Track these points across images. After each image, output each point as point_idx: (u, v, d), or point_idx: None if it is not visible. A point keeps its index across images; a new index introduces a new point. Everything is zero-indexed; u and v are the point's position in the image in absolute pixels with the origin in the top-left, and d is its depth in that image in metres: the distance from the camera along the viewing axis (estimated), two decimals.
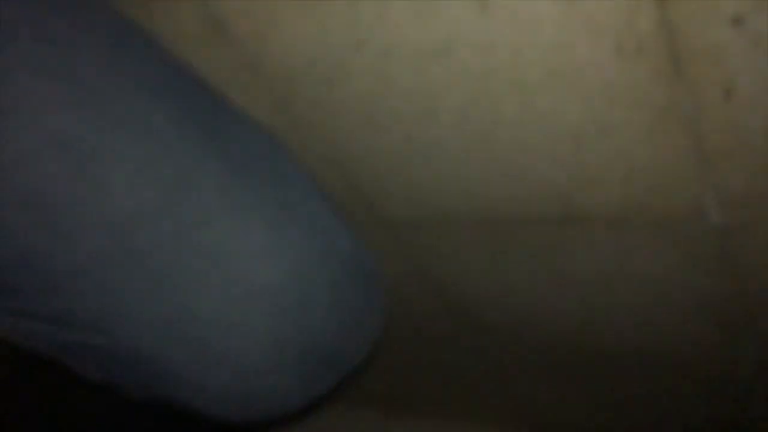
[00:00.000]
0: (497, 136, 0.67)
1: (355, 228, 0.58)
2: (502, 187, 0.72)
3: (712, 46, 0.53)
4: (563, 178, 0.69)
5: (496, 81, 0.62)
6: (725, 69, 0.54)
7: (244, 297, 0.49)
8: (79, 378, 0.54)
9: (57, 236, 0.45)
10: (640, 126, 0.61)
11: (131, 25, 0.53)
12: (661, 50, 0.54)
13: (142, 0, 0.64)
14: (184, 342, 0.49)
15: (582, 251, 0.78)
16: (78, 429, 0.81)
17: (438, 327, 1.03)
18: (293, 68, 0.67)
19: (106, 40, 0.49)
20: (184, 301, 0.48)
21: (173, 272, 0.47)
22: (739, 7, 0.50)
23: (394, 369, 1.18)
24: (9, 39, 0.44)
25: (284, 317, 0.50)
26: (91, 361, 0.52)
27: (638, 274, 0.78)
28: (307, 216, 0.53)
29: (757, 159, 0.60)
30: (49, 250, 0.45)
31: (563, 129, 0.64)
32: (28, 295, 0.47)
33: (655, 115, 0.60)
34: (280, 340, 0.50)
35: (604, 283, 0.82)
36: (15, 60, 0.44)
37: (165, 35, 0.57)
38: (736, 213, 0.66)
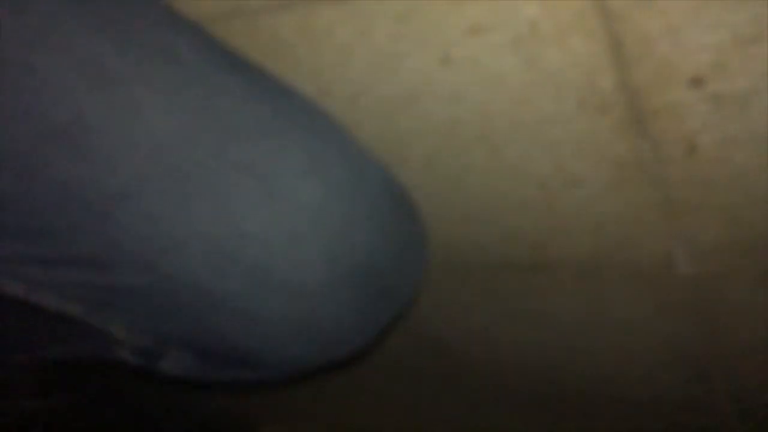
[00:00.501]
0: (466, 183, 0.67)
1: None
2: (472, 233, 0.72)
3: (673, 105, 0.53)
4: (532, 225, 0.69)
5: (462, 131, 0.62)
6: (687, 127, 0.54)
7: (290, 214, 0.47)
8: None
9: (95, 162, 0.44)
10: (607, 179, 0.61)
11: None
12: (623, 108, 0.54)
13: None
14: (234, 265, 0.46)
15: (554, 298, 0.78)
16: None
17: (412, 362, 1.03)
18: None
19: None
20: (231, 219, 0.46)
21: (218, 190, 0.45)
22: (697, 69, 0.50)
23: (368, 401, 1.17)
24: None
25: (331, 234, 0.48)
26: (133, 311, 0.49)
27: (612, 320, 0.78)
28: (337, 144, 0.52)
29: (722, 212, 0.60)
30: (88, 177, 0.44)
31: (531, 178, 0.64)
32: (66, 236, 0.45)
33: (621, 169, 0.60)
34: (329, 257, 0.48)
35: (578, 329, 0.81)
36: None
37: None
38: (706, 264, 0.66)
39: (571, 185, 0.63)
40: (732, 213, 0.60)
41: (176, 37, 0.48)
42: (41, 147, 0.44)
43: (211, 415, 1.17)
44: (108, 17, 0.45)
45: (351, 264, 0.49)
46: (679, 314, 0.74)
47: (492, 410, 1.10)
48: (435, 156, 0.65)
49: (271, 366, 0.53)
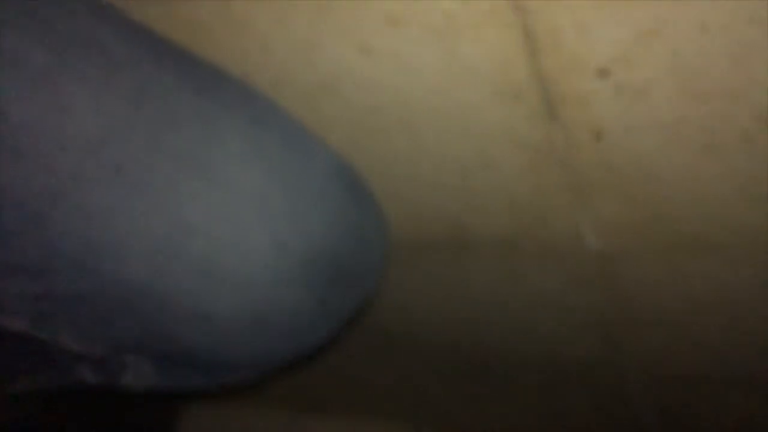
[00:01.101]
0: (388, 168, 0.69)
1: None
2: (394, 214, 0.74)
3: (582, 94, 0.56)
4: (453, 207, 0.72)
5: (383, 118, 0.63)
6: (594, 114, 0.57)
7: (232, 202, 0.46)
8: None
9: (25, 162, 0.41)
10: (520, 162, 0.64)
11: None
12: (535, 96, 0.57)
13: None
14: (178, 261, 0.44)
15: (474, 274, 0.81)
16: None
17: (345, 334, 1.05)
18: None
19: None
20: (171, 212, 0.44)
21: (155, 183, 0.44)
22: (603, 61, 0.53)
23: (302, 371, 1.19)
24: None
25: (277, 221, 0.47)
26: (77, 319, 0.46)
27: (528, 293, 0.82)
28: (278, 128, 0.51)
29: (627, 193, 0.64)
30: (19, 178, 0.41)
31: (450, 162, 0.66)
32: (1, 242, 0.43)
33: (533, 153, 0.62)
34: (277, 245, 0.47)
35: (496, 303, 0.85)
36: None
37: None
38: (612, 240, 0.70)
39: (488, 169, 0.66)
40: (634, 194, 0.64)
41: (101, 26, 0.46)
42: None
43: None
44: (28, 9, 0.43)
45: (302, 251, 0.48)
46: (589, 286, 0.78)
47: (418, 381, 1.13)
48: (356, 142, 0.66)
49: (235, 366, 0.51)
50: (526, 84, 0.56)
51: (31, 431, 0.86)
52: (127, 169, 0.43)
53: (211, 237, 0.45)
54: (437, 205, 0.72)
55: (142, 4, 0.58)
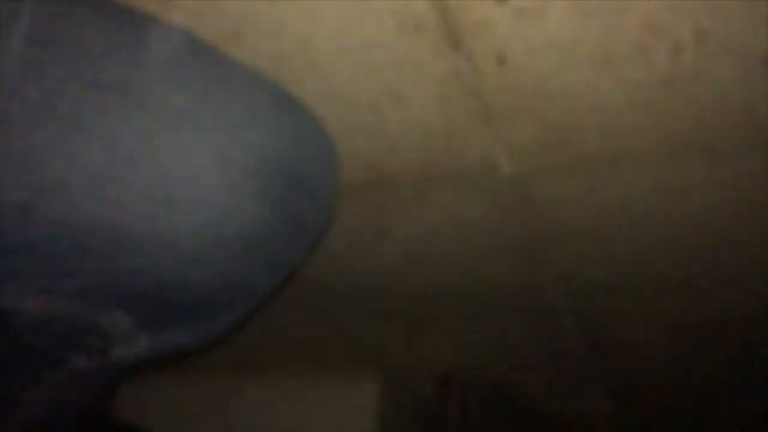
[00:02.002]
0: None
1: None
2: None
3: (483, 21, 0.57)
4: (367, 146, 0.73)
5: (291, 63, 0.63)
6: (496, 40, 0.59)
7: (166, 124, 0.46)
8: None
9: None
10: (430, 95, 0.65)
11: None
12: (437, 27, 0.58)
13: None
14: (125, 191, 0.44)
15: (393, 211, 0.83)
16: None
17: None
18: None
19: None
20: (107, 142, 0.43)
21: (84, 114, 0.43)
22: None
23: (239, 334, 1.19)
24: None
25: (214, 136, 0.47)
26: (38, 273, 0.44)
27: (447, 224, 0.85)
28: (201, 56, 0.51)
29: (534, 115, 0.67)
30: None
31: (362, 101, 0.67)
32: None
33: (441, 84, 0.64)
34: (220, 159, 0.47)
35: (417, 237, 0.87)
36: None
37: None
38: (524, 162, 0.73)
39: (399, 105, 0.67)
40: (540, 115, 0.66)
41: None
42: None
43: None
44: None
45: (245, 161, 0.49)
46: (506, 210, 0.81)
47: (352, 330, 1.15)
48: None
49: (213, 305, 0.51)
50: (427, 15, 0.57)
51: None
52: (53, 104, 0.42)
53: (153, 161, 0.45)
54: (351, 147, 0.72)
55: None
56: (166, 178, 0.45)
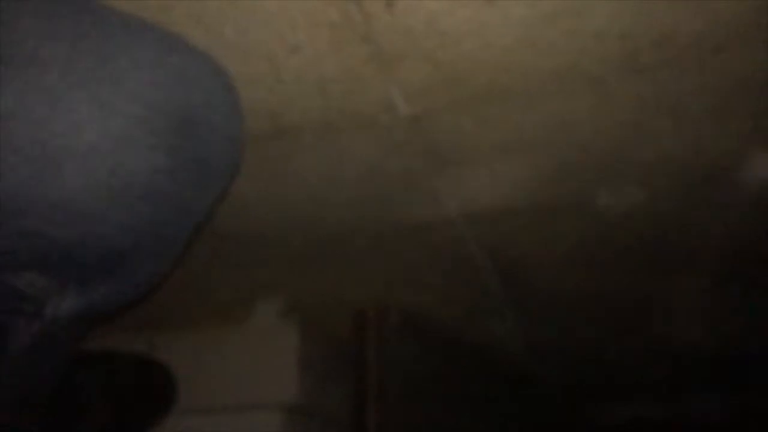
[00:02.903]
0: None
1: None
2: None
3: None
4: (266, 97, 0.72)
5: (175, 14, 0.61)
6: None
7: (43, 78, 0.44)
8: None
9: None
10: (323, 42, 0.65)
11: None
12: None
13: None
14: (6, 152, 0.43)
15: (297, 158, 0.83)
16: None
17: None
18: None
19: None
20: None
21: None
22: None
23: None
24: None
25: (95, 87, 0.47)
26: None
27: (353, 167, 0.86)
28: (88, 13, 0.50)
29: (425, 55, 0.68)
30: None
31: (255, 52, 0.67)
32: None
33: (334, 31, 0.64)
34: (103, 110, 0.46)
35: (326, 180, 0.89)
36: None
37: None
38: (420, 103, 0.75)
39: (294, 53, 0.67)
40: (431, 56, 0.68)
41: None
42: None
43: None
44: None
45: (132, 107, 0.48)
46: (406, 149, 0.83)
47: (258, 267, 1.16)
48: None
49: (127, 257, 0.50)
50: None
51: None
52: None
53: (31, 119, 0.43)
54: (250, 98, 0.72)
55: None
56: (46, 135, 0.44)
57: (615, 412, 2.28)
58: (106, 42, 0.49)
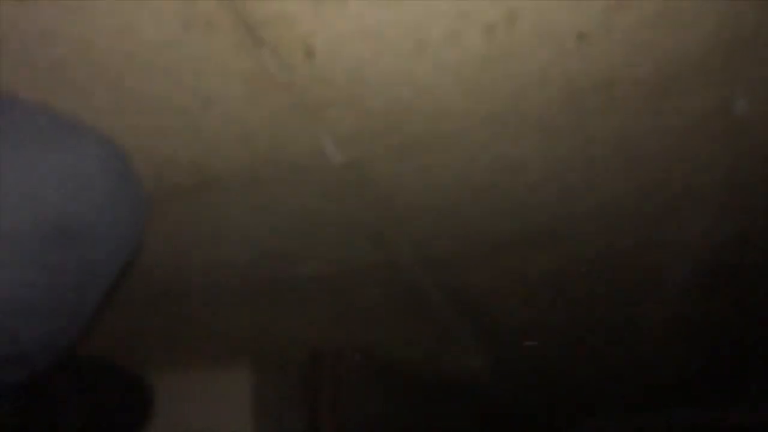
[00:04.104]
0: (102, 122, 0.61)
1: None
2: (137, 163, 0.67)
3: (280, 13, 0.52)
4: (185, 150, 0.66)
5: (72, 70, 0.55)
6: (299, 31, 0.54)
7: None
8: None
9: None
10: (239, 93, 0.60)
11: None
12: (232, 24, 0.52)
13: None
14: None
15: (226, 210, 0.77)
16: None
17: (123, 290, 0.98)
18: None
19: None
20: None
21: None
22: None
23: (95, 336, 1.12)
24: None
25: None
26: None
27: (288, 216, 0.80)
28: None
29: (355, 105, 0.63)
30: None
31: (168, 106, 0.61)
32: None
33: (250, 81, 0.58)
34: None
35: (261, 229, 0.83)
36: None
37: None
38: (354, 151, 0.69)
39: (209, 105, 0.61)
40: (361, 103, 0.63)
41: None
42: None
43: None
44: None
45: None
46: (344, 196, 0.78)
47: (208, 314, 1.10)
48: (101, 105, 0.58)
49: (21, 352, 0.47)
50: (217, 11, 0.51)
51: None
52: None
53: None
54: (166, 151, 0.66)
55: None
56: None
57: None
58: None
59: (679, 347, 1.51)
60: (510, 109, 0.66)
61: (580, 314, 1.27)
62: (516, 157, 0.74)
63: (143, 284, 0.95)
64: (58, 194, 0.44)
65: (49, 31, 0.52)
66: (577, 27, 0.56)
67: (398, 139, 0.68)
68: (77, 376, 0.96)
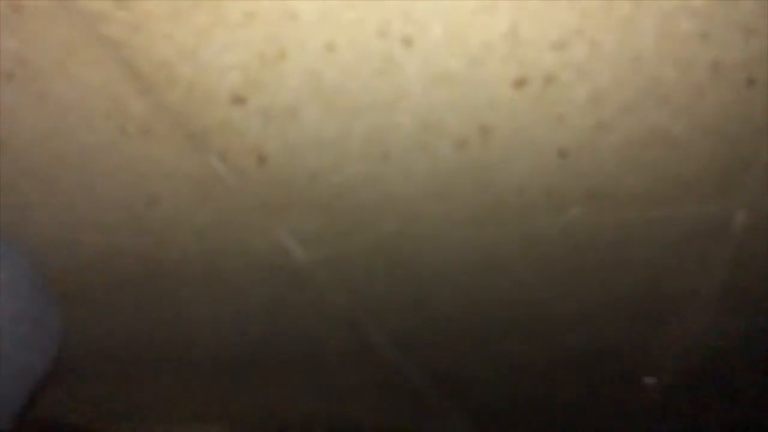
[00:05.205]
0: (59, 217, 0.57)
1: None
2: (83, 258, 0.63)
3: (225, 122, 0.47)
4: (134, 243, 0.62)
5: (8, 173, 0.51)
6: (249, 140, 0.49)
7: None
8: None
9: None
10: (188, 194, 0.55)
11: None
12: (169, 129, 0.47)
13: None
14: None
15: (183, 298, 0.72)
16: None
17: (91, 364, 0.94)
18: None
19: None
20: None
21: None
22: (234, 88, 0.44)
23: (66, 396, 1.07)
24: None
25: None
26: None
27: (248, 306, 0.75)
28: None
29: (317, 207, 0.58)
30: None
31: (110, 204, 0.56)
32: None
33: (199, 183, 0.54)
34: None
35: (220, 317, 0.78)
36: None
37: None
38: (319, 250, 0.64)
39: (156, 205, 0.56)
40: (324, 206, 0.58)
41: None
42: None
43: None
44: None
45: None
46: (315, 287, 0.72)
47: (178, 385, 1.05)
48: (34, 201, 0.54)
49: None
50: (152, 117, 0.46)
51: None
52: None
53: None
54: (117, 244, 0.61)
55: None
56: None
57: None
58: None
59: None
60: (488, 216, 0.60)
61: (564, 392, 1.21)
62: (496, 257, 0.68)
63: (112, 354, 0.91)
64: None
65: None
66: (557, 144, 0.51)
67: (368, 238, 0.63)
68: None
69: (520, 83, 0.45)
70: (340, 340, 0.88)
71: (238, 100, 0.45)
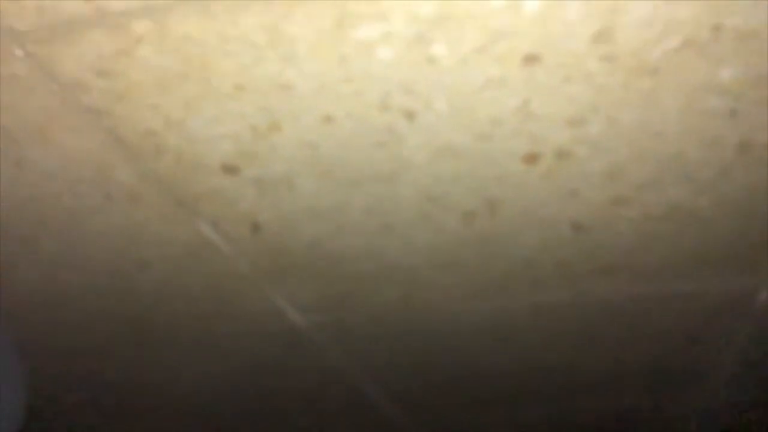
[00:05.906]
0: (47, 278, 0.54)
1: None
2: (70, 322, 0.60)
3: (216, 191, 0.44)
4: (126, 306, 0.59)
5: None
6: (242, 209, 0.46)
7: None
8: None
9: None
10: (179, 258, 0.52)
11: None
12: (157, 197, 0.45)
13: None
14: None
15: (175, 358, 0.69)
16: None
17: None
18: None
19: None
20: None
21: None
22: (226, 158, 0.41)
23: None
24: None
25: None
26: None
27: (248, 365, 0.72)
28: None
29: (316, 274, 0.55)
30: None
31: (99, 268, 0.53)
32: None
33: (190, 248, 0.51)
34: None
35: (215, 381, 0.74)
36: None
37: None
38: (318, 315, 0.61)
39: (146, 269, 0.53)
40: (322, 273, 0.55)
41: None
42: None
43: None
44: None
45: None
46: (315, 351, 0.69)
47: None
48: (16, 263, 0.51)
49: None
50: (139, 185, 0.44)
51: None
52: None
53: None
54: (105, 308, 0.59)
55: None
56: None
57: None
58: None
59: None
60: (496, 287, 0.57)
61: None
62: (505, 326, 0.65)
63: (102, 411, 0.87)
64: None
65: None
66: (571, 218, 0.48)
67: (370, 305, 0.60)
68: None
69: (531, 158, 0.42)
70: (339, 400, 0.85)
71: (230, 170, 0.42)
